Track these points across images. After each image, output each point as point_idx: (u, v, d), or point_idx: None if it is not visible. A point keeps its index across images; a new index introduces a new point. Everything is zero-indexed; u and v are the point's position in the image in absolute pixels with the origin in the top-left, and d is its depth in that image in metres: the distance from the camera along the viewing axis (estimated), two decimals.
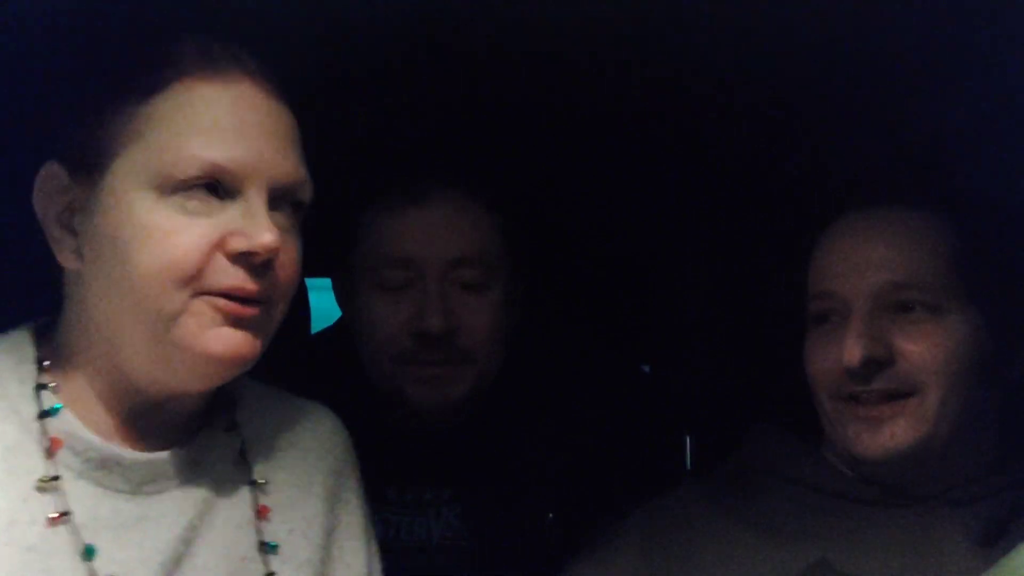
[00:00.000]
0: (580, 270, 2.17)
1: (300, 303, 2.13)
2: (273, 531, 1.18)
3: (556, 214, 1.89)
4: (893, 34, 1.29)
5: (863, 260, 1.30)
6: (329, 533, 1.22)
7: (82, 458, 1.08)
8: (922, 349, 1.27)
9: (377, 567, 1.30)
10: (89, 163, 1.09)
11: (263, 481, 1.19)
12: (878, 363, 1.27)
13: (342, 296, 1.60)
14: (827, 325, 1.33)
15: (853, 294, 1.30)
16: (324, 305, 2.16)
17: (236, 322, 1.08)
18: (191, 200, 1.07)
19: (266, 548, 1.16)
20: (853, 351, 1.26)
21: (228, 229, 1.07)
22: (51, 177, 1.11)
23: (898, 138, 1.49)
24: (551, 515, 1.56)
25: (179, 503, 1.12)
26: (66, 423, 1.09)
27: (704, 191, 1.80)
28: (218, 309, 1.07)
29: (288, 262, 1.12)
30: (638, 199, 1.93)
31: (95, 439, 1.09)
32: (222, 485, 1.16)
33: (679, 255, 1.90)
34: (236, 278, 1.07)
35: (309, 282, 2.19)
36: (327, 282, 2.24)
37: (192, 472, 1.14)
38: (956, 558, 1.26)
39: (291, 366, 1.75)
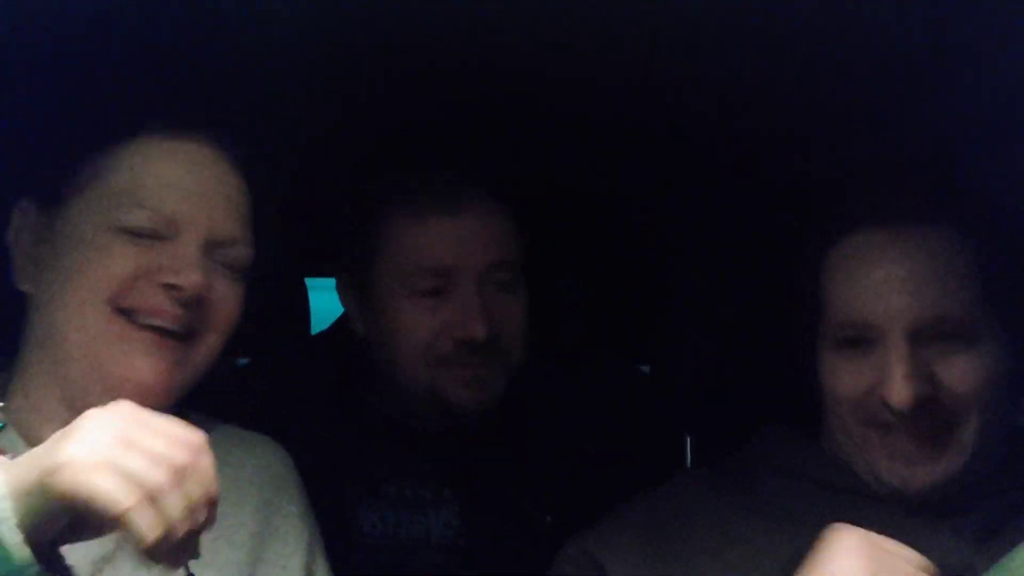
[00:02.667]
0: (582, 271, 2.18)
1: (300, 303, 2.15)
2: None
3: (563, 216, 1.90)
4: (912, 45, 1.29)
5: (896, 287, 1.26)
6: (260, 539, 1.26)
7: None
8: (962, 381, 1.25)
9: (324, 573, 1.32)
10: (55, 200, 1.22)
11: None
12: (926, 400, 1.24)
13: (355, 304, 1.59)
14: (856, 349, 1.29)
15: (890, 325, 1.25)
16: (324, 305, 2.16)
17: (157, 352, 1.18)
18: (135, 237, 1.19)
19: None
20: (903, 393, 1.23)
21: (159, 263, 1.19)
22: (24, 212, 1.24)
23: (918, 153, 1.48)
24: (549, 517, 1.57)
25: None
26: (7, 442, 1.15)
27: (709, 194, 1.80)
28: (141, 336, 1.17)
29: (222, 302, 1.23)
30: (641, 201, 1.93)
31: None
32: None
33: (681, 256, 1.90)
34: (157, 303, 1.18)
35: (309, 282, 2.20)
36: (327, 282, 2.24)
37: None
38: (952, 551, 1.26)
39: (291, 367, 1.78)
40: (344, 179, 1.66)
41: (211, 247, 1.22)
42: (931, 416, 1.25)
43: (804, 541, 1.25)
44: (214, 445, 1.27)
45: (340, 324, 1.73)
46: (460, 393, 1.49)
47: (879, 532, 1.24)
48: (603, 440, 1.65)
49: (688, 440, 2.07)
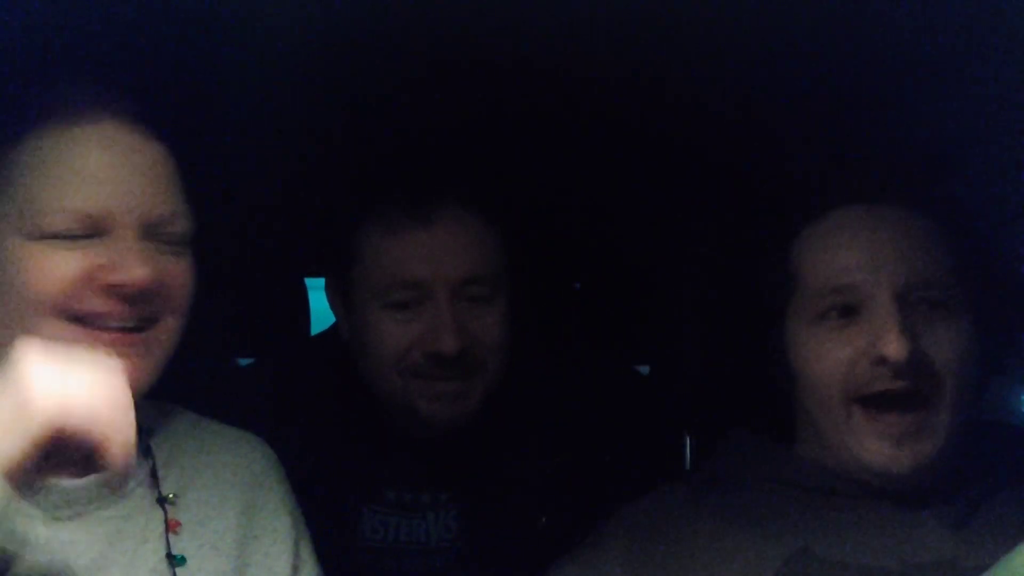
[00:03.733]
0: (577, 273, 2.17)
1: (300, 303, 2.15)
2: (182, 545, 1.19)
3: (553, 220, 1.89)
4: (895, 30, 1.29)
5: (880, 254, 1.28)
6: (245, 542, 1.24)
7: None
8: (944, 350, 1.25)
9: (311, 570, 1.30)
10: None
11: (173, 496, 1.21)
12: (917, 358, 1.24)
13: (340, 308, 1.60)
14: (839, 320, 1.29)
15: (877, 286, 1.26)
16: (324, 305, 2.16)
17: (121, 351, 1.10)
18: (61, 239, 1.12)
19: (173, 560, 1.18)
20: (900, 344, 1.22)
21: (98, 263, 1.12)
22: None
23: (898, 136, 1.48)
24: (544, 519, 1.57)
25: (91, 530, 1.14)
26: None
27: (701, 188, 1.80)
28: (102, 340, 1.11)
29: (173, 282, 1.16)
30: (634, 199, 1.93)
31: None
32: (136, 509, 1.19)
33: (677, 254, 1.90)
34: (108, 306, 1.12)
35: (309, 282, 2.20)
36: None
37: (109, 499, 1.16)
38: (931, 541, 1.26)
39: (291, 368, 1.78)
40: (329, 186, 1.65)
41: (148, 232, 1.15)
42: (916, 384, 1.25)
43: (792, 550, 1.25)
44: (198, 446, 1.28)
45: (335, 329, 1.73)
46: (431, 407, 1.49)
47: (860, 529, 1.24)
48: (599, 445, 1.65)
49: (688, 440, 2.07)
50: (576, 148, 1.67)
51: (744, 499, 1.34)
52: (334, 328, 1.76)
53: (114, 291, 1.13)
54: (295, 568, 1.28)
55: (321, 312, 2.10)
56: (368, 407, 1.55)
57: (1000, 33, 1.25)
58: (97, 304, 1.13)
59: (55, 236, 1.12)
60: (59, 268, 1.12)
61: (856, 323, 1.27)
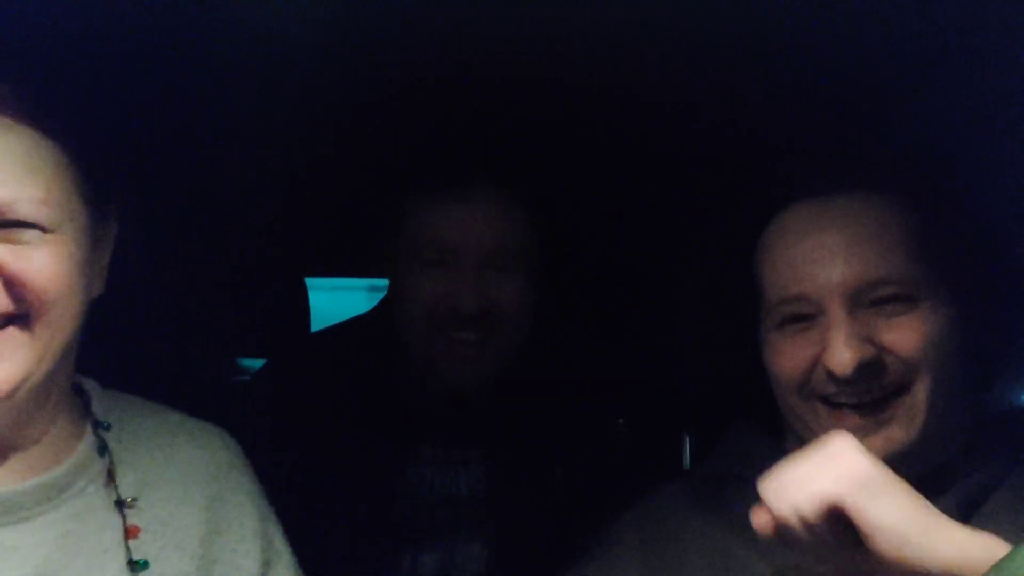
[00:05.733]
0: (599, 254, 2.19)
1: (300, 303, 2.16)
2: (144, 549, 1.15)
3: (578, 209, 1.92)
4: (837, 16, 1.26)
5: (828, 255, 1.24)
6: (211, 538, 1.20)
7: None
8: (906, 343, 1.22)
9: (286, 561, 1.27)
10: None
11: (132, 499, 1.17)
12: (869, 365, 1.21)
13: (390, 272, 1.77)
14: (797, 325, 1.26)
15: (826, 295, 1.22)
16: (324, 305, 2.17)
17: None
18: None
19: (135, 567, 1.14)
20: (844, 358, 1.20)
21: None
22: None
23: (844, 122, 1.45)
24: (559, 470, 1.73)
25: (37, 533, 1.10)
26: None
27: (698, 187, 1.81)
28: None
29: (34, 273, 1.06)
30: (643, 199, 1.94)
31: None
32: (89, 510, 1.14)
33: (679, 250, 1.91)
34: None
35: (309, 282, 2.21)
36: (327, 282, 2.25)
37: (57, 500, 1.12)
38: None
39: (290, 365, 1.79)
40: (377, 170, 1.72)
41: None
42: (878, 382, 1.22)
43: (787, 563, 1.25)
44: (158, 439, 1.22)
45: (379, 309, 1.84)
46: (450, 367, 1.63)
47: None
48: (611, 409, 1.84)
49: (688, 440, 2.07)
50: (601, 145, 1.71)
51: (740, 506, 1.33)
52: (374, 312, 1.84)
53: None
54: (267, 562, 1.24)
55: (321, 312, 2.12)
56: (403, 375, 1.70)
57: (961, 23, 1.23)
58: None
59: None
60: None
61: (813, 327, 1.24)
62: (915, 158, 1.31)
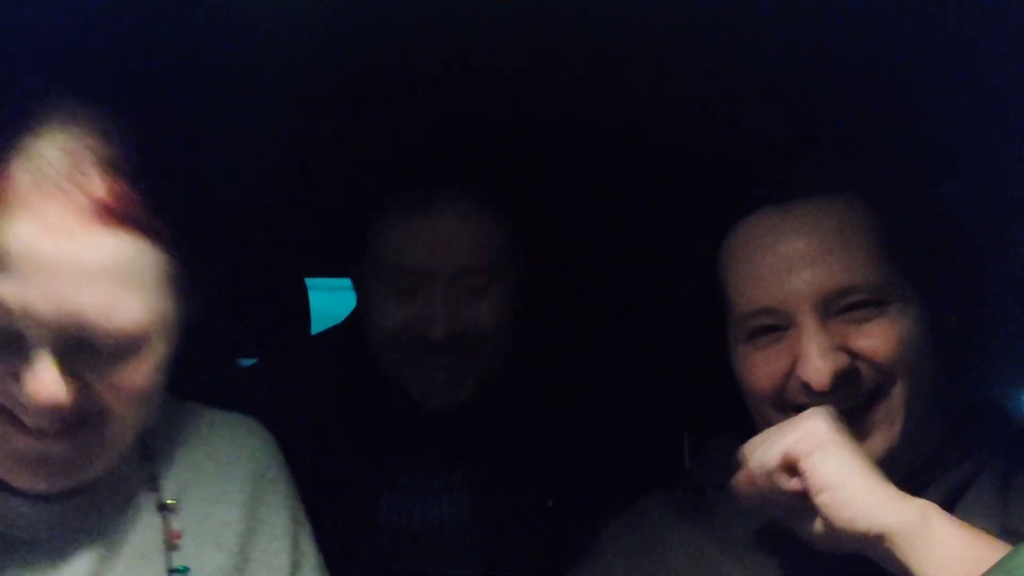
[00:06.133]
0: (584, 264, 2.18)
1: (300, 303, 2.15)
2: (182, 556, 1.17)
3: (559, 216, 1.90)
4: (795, 23, 1.22)
5: (795, 265, 1.22)
6: (248, 536, 1.21)
7: None
8: (879, 346, 1.20)
9: (313, 563, 1.29)
10: None
11: (174, 502, 1.18)
12: (844, 374, 1.20)
13: (358, 294, 1.68)
14: (768, 336, 1.25)
15: (796, 306, 1.21)
16: (324, 305, 2.17)
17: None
18: None
19: (175, 573, 1.16)
20: (820, 370, 1.19)
21: None
22: None
23: (799, 126, 1.39)
24: (551, 501, 1.63)
25: (81, 547, 1.11)
26: None
27: (656, 196, 1.79)
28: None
29: None
30: (636, 198, 1.93)
31: None
32: (132, 516, 1.16)
33: (674, 252, 1.91)
34: None
35: (309, 282, 2.20)
36: (327, 282, 2.25)
37: (99, 511, 1.13)
38: None
39: (291, 365, 1.79)
40: (338, 183, 1.68)
41: None
42: (854, 390, 1.21)
43: (771, 570, 1.24)
44: (197, 438, 1.23)
45: (349, 321, 1.78)
46: (425, 394, 1.57)
47: None
48: (604, 430, 1.70)
49: (688, 440, 2.07)
50: (582, 149, 1.68)
51: (722, 517, 1.32)
52: (344, 324, 1.79)
53: None
54: (295, 564, 1.25)
55: (321, 312, 2.12)
56: (379, 396, 1.61)
57: (925, 28, 1.22)
58: None
59: None
60: None
61: (784, 338, 1.23)
62: (871, 158, 1.29)
